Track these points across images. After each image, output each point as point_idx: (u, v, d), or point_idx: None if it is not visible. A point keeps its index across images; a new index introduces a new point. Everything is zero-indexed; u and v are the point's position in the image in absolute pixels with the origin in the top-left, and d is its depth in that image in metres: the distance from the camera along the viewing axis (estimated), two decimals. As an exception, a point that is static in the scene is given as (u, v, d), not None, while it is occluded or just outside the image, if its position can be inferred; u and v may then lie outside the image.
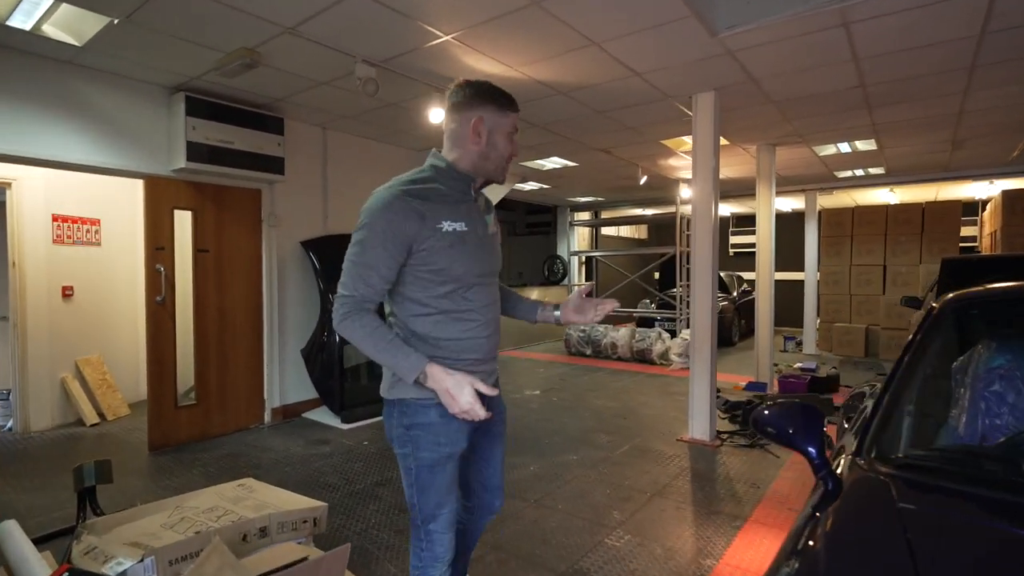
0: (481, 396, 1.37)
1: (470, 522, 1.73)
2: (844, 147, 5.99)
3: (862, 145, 5.93)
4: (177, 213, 4.14)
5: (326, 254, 4.98)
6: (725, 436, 4.27)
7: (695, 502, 3.13)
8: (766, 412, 1.44)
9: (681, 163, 6.86)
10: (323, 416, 4.87)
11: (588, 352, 8.35)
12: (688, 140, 5.77)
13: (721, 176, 7.81)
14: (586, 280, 11.21)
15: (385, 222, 1.36)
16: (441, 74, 3.75)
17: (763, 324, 5.98)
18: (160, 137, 4.01)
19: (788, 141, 5.69)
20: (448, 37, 3.20)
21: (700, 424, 4.21)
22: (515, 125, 1.51)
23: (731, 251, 13.32)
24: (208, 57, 3.48)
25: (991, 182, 8.09)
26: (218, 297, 4.36)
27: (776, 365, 6.39)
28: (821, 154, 6.31)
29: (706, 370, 4.20)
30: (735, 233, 13.23)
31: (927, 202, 8.30)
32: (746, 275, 10.78)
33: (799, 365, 6.16)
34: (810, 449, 1.29)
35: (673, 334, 8.05)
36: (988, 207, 8.40)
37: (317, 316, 4.95)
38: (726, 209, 12.17)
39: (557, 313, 1.68)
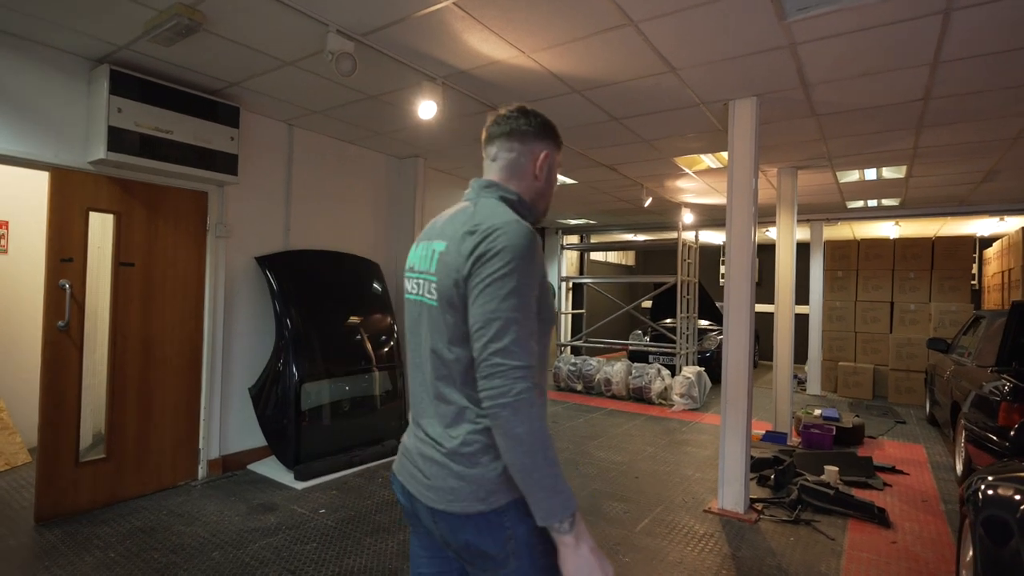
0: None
1: None
2: (870, 174, 5.49)
3: (889, 172, 5.44)
4: (94, 216, 3.30)
5: (286, 273, 4.17)
6: (760, 506, 3.56)
7: (754, 615, 2.39)
8: None
9: (689, 185, 6.28)
10: (273, 470, 3.99)
11: (579, 388, 7.62)
12: (704, 159, 5.18)
13: (712, 202, 7.29)
14: (574, 308, 10.53)
15: (536, 265, 1.10)
16: (435, 57, 3.05)
17: (782, 365, 5.35)
18: (76, 121, 3.19)
19: (814, 165, 5.14)
20: (448, 2, 2.50)
21: (733, 492, 3.49)
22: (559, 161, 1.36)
23: (722, 281, 12.87)
24: (139, 17, 2.71)
25: (1002, 218, 7.75)
26: (144, 322, 3.50)
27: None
28: (842, 181, 5.80)
29: (741, 428, 3.50)
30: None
31: (937, 236, 7.91)
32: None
33: (819, 412, 5.53)
34: None
35: (673, 371, 7.39)
36: (997, 244, 8.05)
37: (271, 347, 4.10)
38: (718, 237, 11.73)
39: None
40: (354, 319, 4.61)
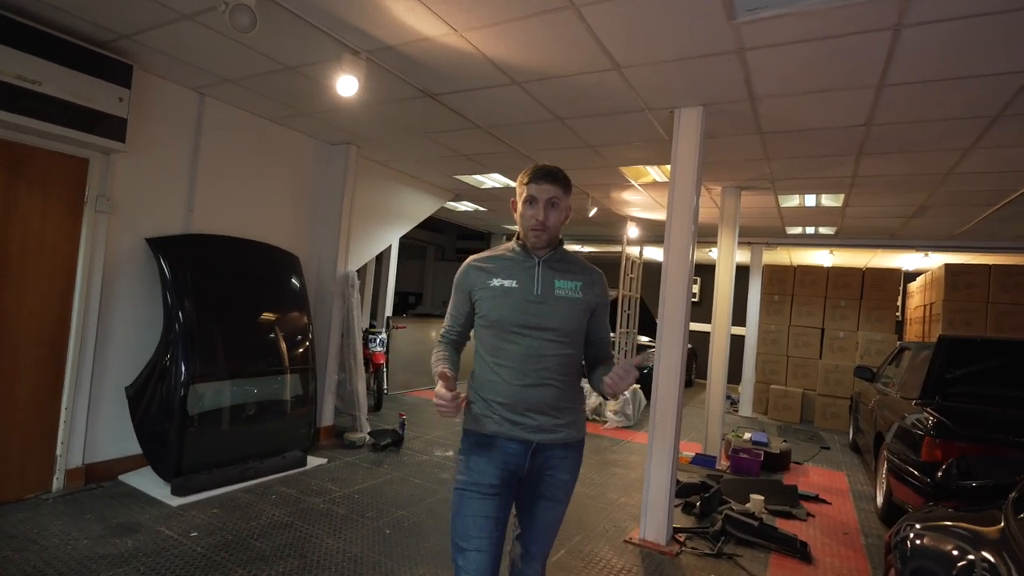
0: (524, 450, 1.61)
1: None
2: (810, 200, 5.52)
3: (828, 200, 5.48)
4: (-70, 174, 2.75)
5: (184, 259, 3.69)
6: (683, 537, 3.37)
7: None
8: None
9: (635, 198, 6.16)
10: (148, 482, 3.49)
11: (513, 399, 7.33)
12: (650, 171, 5.05)
13: (658, 218, 7.23)
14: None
15: (456, 282, 1.77)
16: (357, 26, 2.71)
17: (716, 386, 5.26)
18: (-87, 57, 2.65)
19: (757, 186, 5.10)
20: (366, -42, 2.18)
21: (656, 522, 3.29)
22: (534, 194, 1.62)
23: (664, 298, 12.96)
24: (-11, -62, 2.24)
25: (926, 254, 8.08)
26: (-9, 305, 2.96)
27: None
28: (783, 205, 5.82)
29: (668, 453, 3.31)
30: (670, 280, 12.90)
31: (867, 268, 8.16)
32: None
33: (749, 436, 5.47)
34: None
35: (609, 386, 7.22)
36: (920, 279, 8.39)
37: (157, 340, 3.60)
38: (660, 254, 11.79)
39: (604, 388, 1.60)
40: (267, 316, 4.16)
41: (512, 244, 1.71)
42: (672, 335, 3.36)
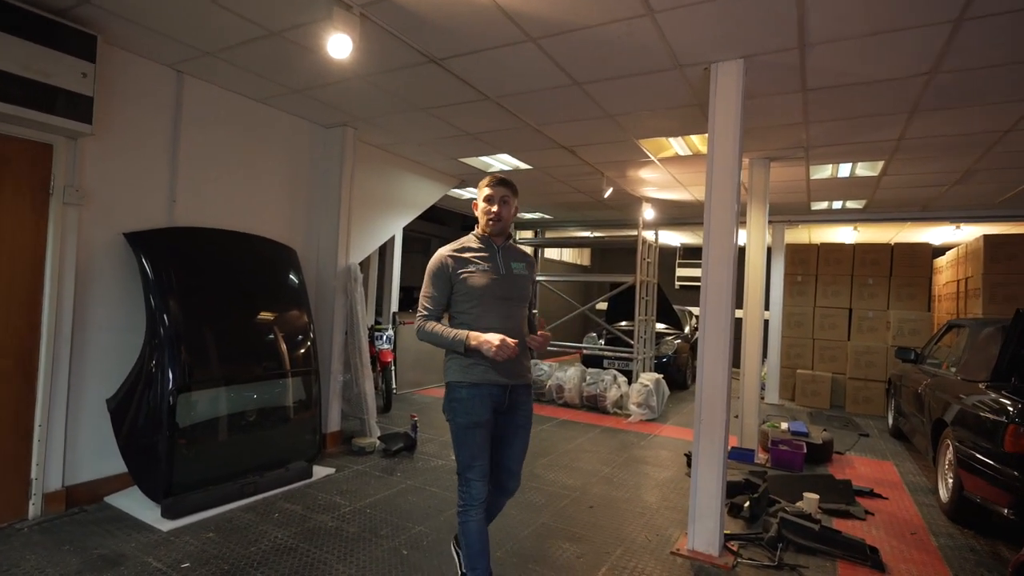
0: (503, 391, 2.15)
1: (492, 497, 2.23)
2: (844, 170, 5.11)
3: (863, 170, 5.08)
4: None
5: (168, 255, 3.32)
6: (736, 546, 3.00)
7: None
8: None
9: (653, 176, 5.76)
10: (137, 503, 3.14)
11: (528, 395, 6.97)
12: (672, 144, 4.65)
13: (676, 198, 6.84)
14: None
15: (431, 268, 2.23)
16: (348, -28, 2.32)
17: (750, 371, 4.88)
18: None
19: (789, 156, 4.70)
20: None
21: (705, 530, 2.92)
22: (491, 193, 2.21)
23: (677, 284, 12.58)
24: None
25: (958, 226, 7.67)
26: (-56, 313, 2.60)
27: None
28: (814, 177, 5.41)
29: (717, 456, 2.94)
30: (683, 265, 12.51)
31: (896, 243, 7.74)
32: (695, 310, 9.95)
33: (787, 426, 5.10)
34: None
35: (629, 377, 6.86)
36: (951, 253, 7.96)
37: (140, 346, 3.24)
38: (675, 239, 11.41)
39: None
40: (263, 315, 3.80)
41: (472, 237, 2.26)
42: (717, 322, 2.98)
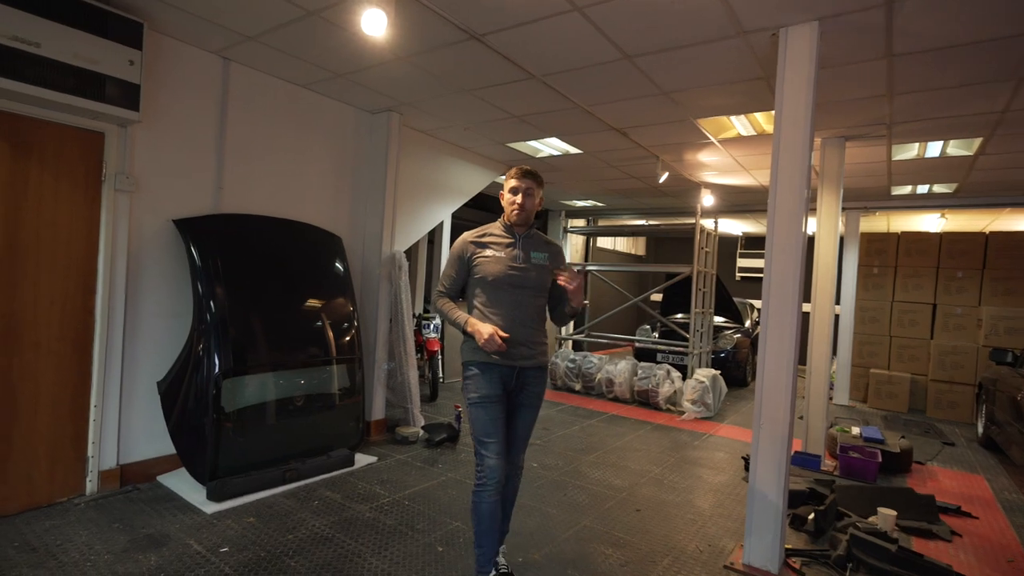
0: (511, 372, 2.24)
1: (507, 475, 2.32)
2: (933, 149, 4.58)
3: (956, 149, 4.53)
4: (-72, 152, 2.49)
5: (215, 242, 3.36)
6: (797, 562, 2.73)
7: None
8: None
9: (712, 159, 5.40)
10: (185, 484, 3.21)
11: (577, 387, 6.79)
12: (734, 123, 4.30)
13: (737, 183, 6.39)
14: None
15: (454, 250, 2.38)
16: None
17: (817, 369, 4.47)
18: (-100, 20, 2.37)
19: (868, 134, 4.24)
20: None
21: (764, 544, 2.66)
22: (516, 185, 2.30)
23: (738, 275, 11.96)
24: None
25: (1067, 213, 6.81)
26: (3, 296, 2.71)
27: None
28: (896, 158, 4.89)
29: (779, 461, 2.66)
30: (745, 255, 11.87)
31: (991, 232, 6.96)
32: (757, 303, 9.40)
33: (858, 431, 4.68)
34: None
35: (684, 372, 6.54)
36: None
37: (188, 331, 3.30)
38: (736, 227, 10.81)
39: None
40: (309, 302, 3.81)
41: (497, 224, 2.35)
42: (781, 317, 2.69)
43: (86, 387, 3.02)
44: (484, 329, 2.13)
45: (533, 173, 2.30)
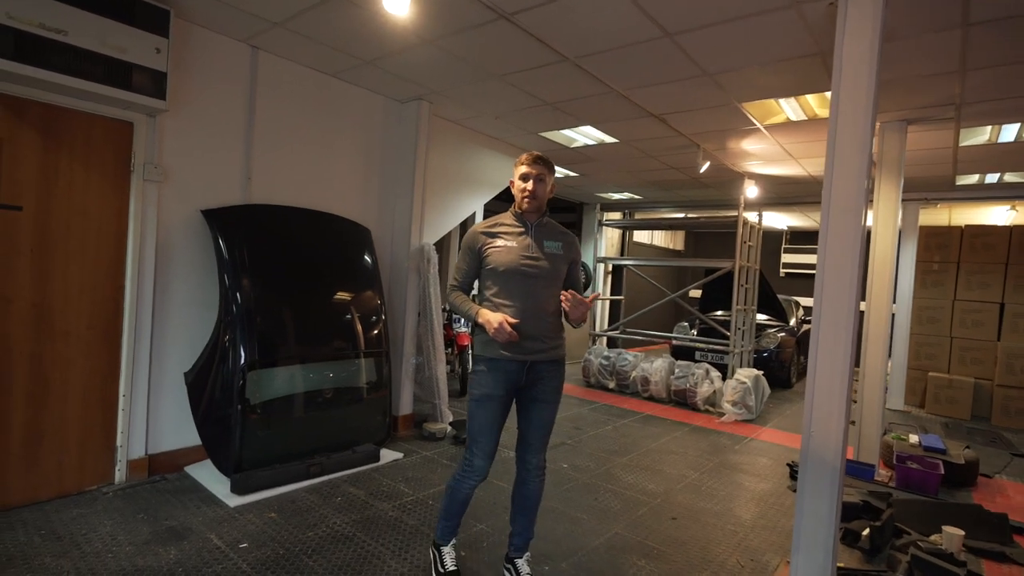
0: (521, 367, 2.15)
1: (519, 475, 2.29)
2: (1008, 132, 4.17)
3: (1035, 131, 4.11)
4: (-40, 141, 2.52)
5: (243, 232, 3.34)
6: (851, 583, 2.49)
7: None
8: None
9: (757, 147, 5.09)
10: (209, 477, 3.20)
11: (611, 385, 6.59)
12: (783, 106, 4.01)
13: (785, 173, 6.02)
14: (612, 293, 9.45)
15: (465, 241, 2.31)
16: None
17: (872, 370, 4.14)
18: (-67, 9, 2.39)
19: (933, 117, 3.89)
20: None
21: (812, 562, 2.43)
22: (527, 171, 2.20)
23: (782, 271, 11.45)
24: None
25: None
26: (36, 283, 2.73)
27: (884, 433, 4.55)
28: (964, 143, 4.49)
29: (831, 472, 2.42)
30: (790, 251, 11.35)
31: (1069, 225, 6.38)
32: (803, 300, 8.95)
33: (916, 439, 4.33)
34: None
35: (724, 372, 6.25)
36: None
37: (215, 322, 3.28)
38: (781, 221, 10.33)
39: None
40: (336, 294, 3.75)
41: (508, 213, 2.27)
42: (835, 316, 2.45)
43: (115, 376, 3.03)
44: (493, 318, 2.05)
45: (543, 159, 2.22)
